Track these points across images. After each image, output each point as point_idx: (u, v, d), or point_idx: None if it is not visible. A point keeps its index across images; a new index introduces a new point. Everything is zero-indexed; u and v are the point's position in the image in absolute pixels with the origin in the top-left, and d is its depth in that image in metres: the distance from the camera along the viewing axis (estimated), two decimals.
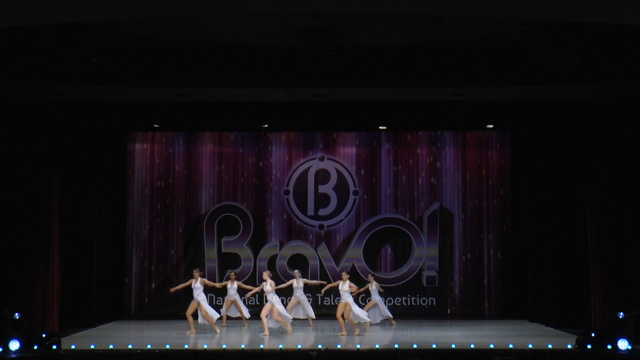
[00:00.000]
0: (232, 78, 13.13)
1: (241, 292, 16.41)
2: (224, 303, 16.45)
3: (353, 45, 12.64)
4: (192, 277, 15.51)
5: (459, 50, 12.85)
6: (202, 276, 15.78)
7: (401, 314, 17.99)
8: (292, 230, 18.46)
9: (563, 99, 14.39)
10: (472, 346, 12.68)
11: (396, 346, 12.60)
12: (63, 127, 15.01)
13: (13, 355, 12.01)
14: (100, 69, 12.08)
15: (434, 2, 10.75)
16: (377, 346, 12.88)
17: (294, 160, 18.54)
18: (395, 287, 18.27)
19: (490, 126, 17.70)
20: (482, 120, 17.13)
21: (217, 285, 16.39)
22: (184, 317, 15.34)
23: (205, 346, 13.05)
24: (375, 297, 16.19)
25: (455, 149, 18.49)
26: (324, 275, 17.78)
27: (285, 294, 16.57)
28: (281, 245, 18.35)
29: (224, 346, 12.91)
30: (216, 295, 17.55)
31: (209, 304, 15.99)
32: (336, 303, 16.25)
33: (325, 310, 17.60)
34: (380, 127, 17.79)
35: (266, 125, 17.59)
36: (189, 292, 15.65)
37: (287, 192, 18.47)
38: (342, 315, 14.95)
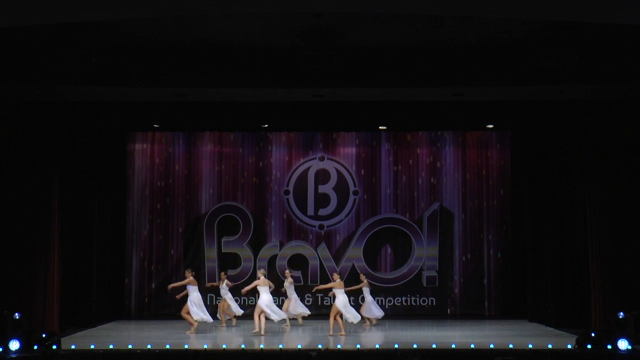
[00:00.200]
0: (232, 78, 13.14)
1: (233, 291, 16.42)
2: (219, 306, 16.39)
3: (353, 45, 12.64)
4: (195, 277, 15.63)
5: (459, 50, 12.85)
6: (194, 276, 15.76)
7: (401, 314, 18.02)
8: (292, 230, 18.46)
9: (563, 99, 14.39)
10: (472, 346, 12.68)
11: (396, 346, 12.60)
12: (63, 127, 15.01)
13: (13, 355, 12.01)
14: (100, 69, 12.08)
15: (434, 2, 10.75)
16: (377, 346, 12.87)
17: (294, 160, 18.54)
18: (395, 287, 18.27)
19: (490, 126, 17.70)
20: (482, 120, 17.12)
21: (207, 285, 16.31)
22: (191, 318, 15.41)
23: (205, 346, 13.05)
24: (367, 297, 16.16)
25: (455, 149, 18.49)
26: (324, 275, 17.76)
27: (281, 293, 16.58)
28: (281, 245, 18.35)
29: (224, 346, 12.91)
30: (216, 296, 17.50)
31: (208, 304, 16.03)
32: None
33: (326, 310, 17.53)
34: (380, 127, 17.79)
35: (266, 125, 17.59)
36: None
37: (287, 192, 18.47)
38: (340, 316, 14.93)
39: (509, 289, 18.05)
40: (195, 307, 15.16)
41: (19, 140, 14.12)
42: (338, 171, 18.53)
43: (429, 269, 18.30)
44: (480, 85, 13.21)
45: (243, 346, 13.09)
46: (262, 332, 14.59)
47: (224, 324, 16.14)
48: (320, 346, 12.75)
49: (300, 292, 17.76)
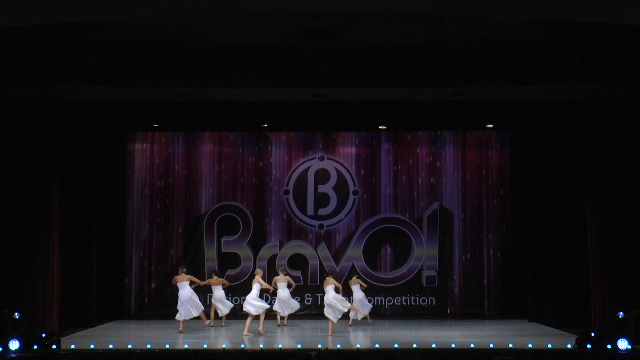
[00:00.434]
0: (232, 78, 13.14)
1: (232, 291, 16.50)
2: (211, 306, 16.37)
3: (353, 45, 12.64)
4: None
5: (459, 50, 12.85)
6: (187, 273, 15.79)
7: (401, 314, 18.03)
8: (292, 230, 18.46)
9: (563, 99, 14.39)
10: (472, 346, 12.68)
11: (396, 346, 12.60)
12: (63, 127, 15.01)
13: (13, 355, 12.01)
14: (100, 69, 12.08)
15: (434, 2, 10.74)
16: (377, 346, 12.87)
17: (294, 160, 18.53)
18: (395, 287, 18.27)
19: (490, 126, 17.70)
20: (482, 120, 17.13)
21: (201, 283, 16.23)
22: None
23: (205, 346, 13.05)
24: (358, 295, 16.15)
25: (455, 149, 18.48)
26: (324, 276, 17.75)
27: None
28: (281, 245, 18.34)
29: (224, 346, 12.91)
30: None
31: (205, 303, 16.09)
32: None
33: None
34: (380, 127, 17.80)
35: (266, 125, 17.59)
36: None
37: (287, 192, 18.47)
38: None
39: (509, 289, 18.05)
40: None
41: (19, 140, 14.13)
42: (338, 171, 18.53)
43: (429, 269, 18.30)
44: (480, 85, 13.21)
45: (243, 346, 13.09)
46: (262, 330, 14.63)
47: (212, 323, 16.09)
48: (320, 346, 12.75)
49: (301, 292, 17.80)
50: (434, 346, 12.78)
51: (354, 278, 16.57)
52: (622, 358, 12.17)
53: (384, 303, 18.22)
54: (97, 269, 16.48)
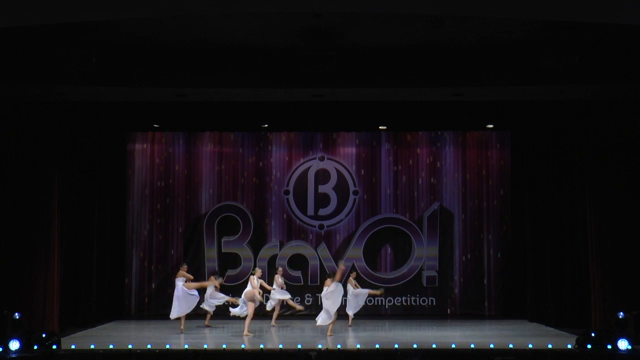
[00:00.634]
0: (232, 78, 13.14)
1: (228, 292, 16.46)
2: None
3: (353, 45, 12.64)
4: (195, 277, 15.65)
5: (459, 50, 12.85)
6: (187, 271, 15.77)
7: (401, 314, 18.03)
8: (292, 230, 18.46)
9: (563, 99, 14.39)
10: (472, 346, 12.69)
11: (396, 346, 12.60)
12: (63, 127, 15.01)
13: (13, 355, 12.01)
14: (100, 69, 12.09)
15: (434, 2, 10.74)
16: (377, 346, 12.87)
17: (294, 160, 18.53)
18: (395, 287, 18.27)
19: (490, 126, 17.70)
20: (482, 120, 17.13)
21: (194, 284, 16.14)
22: (184, 317, 15.37)
23: (205, 346, 13.05)
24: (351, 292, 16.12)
25: (455, 149, 18.48)
26: (324, 275, 17.74)
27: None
28: (281, 245, 18.35)
29: (224, 346, 12.91)
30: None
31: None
32: (344, 303, 16.20)
33: None
34: (380, 127, 17.79)
35: (266, 125, 17.59)
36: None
37: (287, 192, 18.47)
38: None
39: (509, 289, 18.05)
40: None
41: (19, 140, 14.12)
42: (338, 171, 18.53)
43: (429, 269, 18.30)
44: (480, 85, 13.21)
45: (243, 346, 13.09)
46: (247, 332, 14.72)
47: (208, 323, 16.10)
48: (320, 346, 12.75)
49: (301, 292, 17.81)
50: (434, 346, 12.78)
51: (351, 277, 16.44)
52: (622, 358, 12.17)
53: (384, 303, 18.22)
54: (97, 269, 16.48)
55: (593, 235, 14.60)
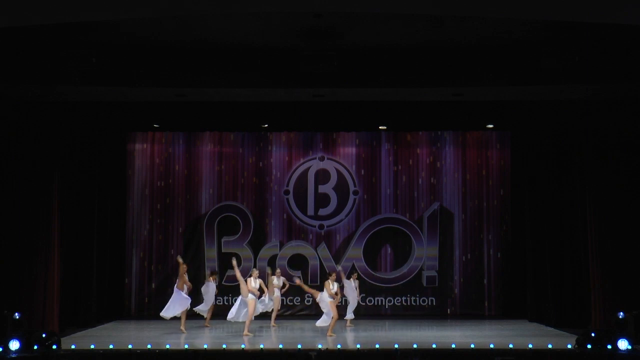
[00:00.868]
0: (232, 78, 13.13)
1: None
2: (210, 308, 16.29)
3: (353, 45, 12.64)
4: (195, 277, 15.60)
5: (459, 50, 12.84)
6: (187, 270, 15.76)
7: (401, 314, 18.03)
8: (292, 230, 18.47)
9: (563, 99, 14.38)
10: (472, 346, 12.68)
11: (396, 346, 12.60)
12: (63, 127, 15.01)
13: (13, 355, 12.01)
14: (100, 69, 12.08)
15: (434, 2, 10.74)
16: (377, 346, 12.87)
17: (294, 160, 18.54)
18: (395, 287, 18.28)
19: (490, 126, 17.70)
20: (482, 120, 17.13)
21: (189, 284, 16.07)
22: (184, 317, 15.38)
23: (205, 346, 13.05)
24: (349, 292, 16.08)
25: (455, 149, 18.49)
26: (324, 275, 17.74)
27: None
28: (281, 245, 18.35)
29: (224, 346, 12.91)
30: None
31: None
32: (343, 303, 16.18)
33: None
34: (380, 127, 17.80)
35: (266, 125, 17.59)
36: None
37: (287, 192, 18.47)
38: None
39: (509, 289, 18.05)
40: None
41: (19, 140, 14.12)
42: (338, 171, 18.53)
43: (429, 269, 18.30)
44: (480, 85, 13.20)
45: (243, 346, 13.09)
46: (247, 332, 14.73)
47: (208, 324, 16.10)
48: (320, 346, 12.75)
49: (301, 292, 17.81)
50: (434, 346, 12.78)
51: (352, 278, 16.41)
52: (622, 358, 12.17)
53: (384, 303, 18.23)
54: (97, 269, 16.48)
55: (593, 235, 14.60)
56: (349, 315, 15.98)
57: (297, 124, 17.55)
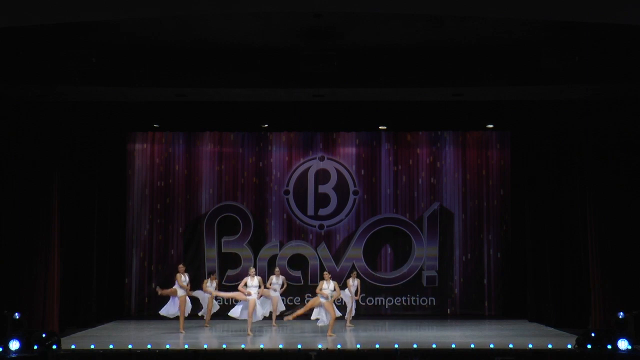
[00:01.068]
0: (232, 78, 13.13)
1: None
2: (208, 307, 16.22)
3: (353, 45, 12.64)
4: (195, 277, 15.57)
5: (459, 50, 12.85)
6: (185, 271, 15.73)
7: (401, 314, 18.03)
8: (292, 230, 18.46)
9: (563, 99, 14.38)
10: (472, 346, 12.68)
11: (396, 346, 12.60)
12: (63, 127, 15.01)
13: (13, 355, 12.00)
14: (100, 69, 12.08)
15: (434, 2, 10.74)
16: (377, 346, 12.87)
17: (294, 160, 18.54)
18: (395, 287, 18.28)
19: (490, 126, 17.70)
20: (482, 120, 17.13)
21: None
22: (184, 317, 15.39)
23: (205, 346, 13.05)
24: (346, 293, 16.00)
25: (455, 149, 18.49)
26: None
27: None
28: (281, 245, 18.35)
29: (224, 346, 12.91)
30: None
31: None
32: (341, 303, 16.19)
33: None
34: (380, 127, 17.80)
35: (266, 125, 17.59)
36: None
37: (287, 192, 18.47)
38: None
39: (509, 289, 18.05)
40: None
41: (19, 140, 14.12)
42: (338, 171, 18.53)
43: (429, 269, 18.30)
44: (480, 85, 13.20)
45: (243, 346, 13.09)
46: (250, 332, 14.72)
47: (207, 324, 16.08)
48: (320, 346, 12.75)
49: (301, 292, 17.82)
50: (434, 346, 12.78)
51: (352, 276, 16.36)
52: (622, 358, 12.16)
53: (384, 303, 18.23)
54: (97, 269, 16.48)
55: (593, 235, 14.59)
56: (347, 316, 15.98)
57: (297, 124, 17.54)
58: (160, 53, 12.88)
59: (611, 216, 14.42)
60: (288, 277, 17.61)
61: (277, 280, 16.08)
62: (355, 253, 18.30)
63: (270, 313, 16.00)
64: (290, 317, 15.38)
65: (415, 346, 12.58)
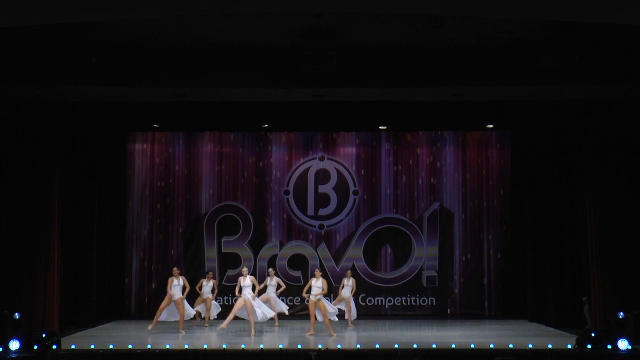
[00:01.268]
0: (232, 78, 13.13)
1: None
2: (199, 300, 16.18)
3: (353, 45, 12.64)
4: (194, 277, 15.53)
5: (459, 50, 12.84)
6: (182, 274, 15.71)
7: (401, 314, 18.03)
8: (292, 230, 18.47)
9: (563, 99, 14.38)
10: (472, 346, 12.68)
11: (396, 346, 12.60)
12: (63, 127, 15.00)
13: (13, 355, 12.00)
14: (100, 69, 12.08)
15: (434, 2, 10.74)
16: (377, 346, 12.87)
17: (294, 160, 18.54)
18: (395, 287, 18.29)
19: (490, 126, 17.70)
20: (482, 120, 17.13)
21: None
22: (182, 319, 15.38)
23: (205, 346, 13.05)
24: (346, 293, 15.97)
25: (455, 149, 18.49)
26: (324, 276, 17.68)
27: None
28: (281, 245, 18.35)
29: (224, 346, 12.91)
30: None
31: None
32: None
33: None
34: (380, 127, 17.80)
35: (266, 125, 17.59)
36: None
37: (287, 192, 18.47)
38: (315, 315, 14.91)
39: (509, 289, 18.05)
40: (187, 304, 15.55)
41: (19, 140, 14.12)
42: (338, 171, 18.53)
43: (429, 269, 18.30)
44: (480, 85, 13.20)
45: (243, 346, 13.09)
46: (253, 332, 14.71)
47: (207, 324, 16.07)
48: (320, 346, 12.75)
49: (300, 292, 17.79)
50: (434, 346, 12.78)
51: (347, 275, 16.32)
52: (622, 358, 12.16)
53: (384, 303, 18.23)
54: (97, 269, 16.48)
55: (593, 235, 14.59)
56: (348, 316, 15.99)
57: (297, 124, 17.55)
58: (160, 53, 12.88)
59: (611, 216, 14.41)
60: (288, 277, 17.64)
61: (271, 282, 16.07)
62: (355, 253, 18.30)
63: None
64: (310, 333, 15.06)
65: (415, 346, 12.58)
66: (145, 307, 18.08)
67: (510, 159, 18.33)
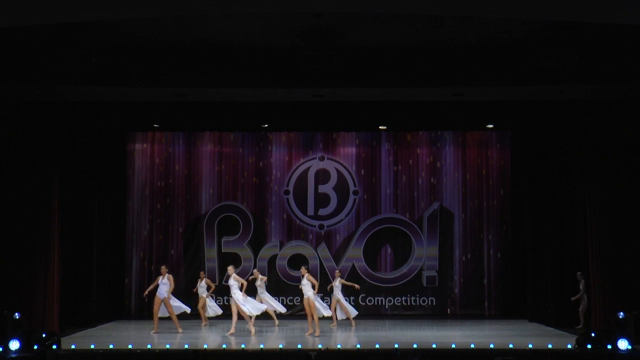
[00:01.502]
0: (232, 78, 13.14)
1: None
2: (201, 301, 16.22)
3: (353, 45, 12.64)
4: (194, 277, 15.52)
5: (459, 50, 12.85)
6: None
7: (401, 314, 18.03)
8: (292, 230, 18.47)
9: (563, 99, 14.39)
10: (472, 346, 12.68)
11: (396, 346, 12.59)
12: (63, 127, 15.01)
13: (13, 355, 12.00)
14: (100, 69, 12.09)
15: (434, 2, 10.75)
16: (377, 346, 12.87)
17: (294, 160, 18.54)
18: (395, 287, 18.29)
19: (490, 126, 17.70)
20: (482, 120, 17.13)
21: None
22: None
23: (205, 346, 13.05)
24: (337, 294, 15.90)
25: (455, 149, 18.49)
26: (324, 275, 17.76)
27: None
28: (281, 245, 18.35)
29: (224, 346, 12.91)
30: (216, 295, 17.45)
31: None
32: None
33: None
34: (380, 127, 17.80)
35: (266, 125, 17.59)
36: (189, 292, 15.82)
37: (287, 192, 18.47)
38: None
39: (509, 289, 18.05)
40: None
41: (19, 140, 14.12)
42: (338, 171, 18.53)
43: (429, 269, 18.30)
44: (480, 85, 13.21)
45: (243, 346, 13.09)
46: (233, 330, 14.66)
47: (205, 323, 16.06)
48: (320, 346, 12.75)
49: (300, 292, 17.75)
50: (434, 346, 12.78)
51: (339, 279, 16.14)
52: (622, 358, 12.15)
53: (384, 303, 18.23)
54: (97, 269, 16.48)
55: (593, 235, 14.59)
56: (341, 315, 15.97)
57: (297, 124, 17.55)
58: (160, 53, 12.89)
59: (611, 216, 14.42)
60: (288, 277, 17.67)
61: (260, 282, 16.04)
62: (355, 253, 18.30)
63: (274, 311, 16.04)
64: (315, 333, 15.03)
65: (415, 346, 12.58)
66: (145, 307, 18.00)
67: (510, 159, 18.33)
